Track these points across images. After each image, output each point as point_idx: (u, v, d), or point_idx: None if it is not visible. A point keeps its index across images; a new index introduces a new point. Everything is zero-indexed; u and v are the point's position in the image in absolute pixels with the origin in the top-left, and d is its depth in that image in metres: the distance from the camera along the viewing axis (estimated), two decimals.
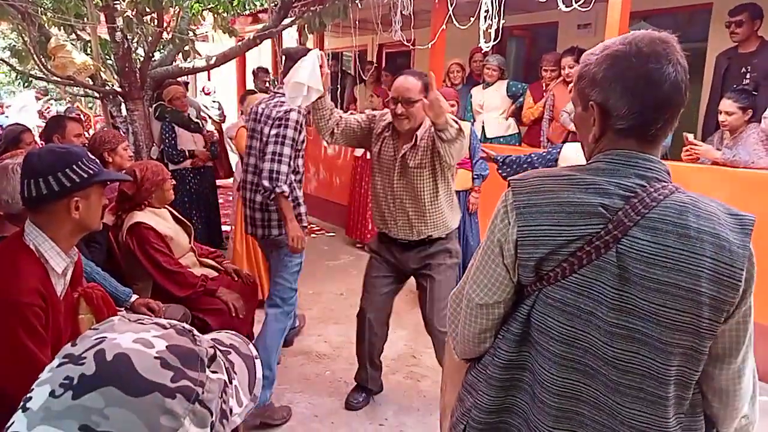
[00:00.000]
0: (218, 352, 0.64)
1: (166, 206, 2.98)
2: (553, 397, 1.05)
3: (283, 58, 2.82)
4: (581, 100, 1.08)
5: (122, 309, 2.38)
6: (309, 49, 2.76)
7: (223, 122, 7.47)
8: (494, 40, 4.03)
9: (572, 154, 2.90)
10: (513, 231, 1.05)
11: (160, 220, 2.86)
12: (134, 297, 2.49)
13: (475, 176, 4.00)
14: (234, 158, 4.94)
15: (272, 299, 2.96)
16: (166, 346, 0.58)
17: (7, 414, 0.63)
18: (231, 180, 5.30)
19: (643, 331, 0.97)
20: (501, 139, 4.94)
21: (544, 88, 4.71)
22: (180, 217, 3.05)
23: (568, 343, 1.03)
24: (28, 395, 0.55)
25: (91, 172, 1.67)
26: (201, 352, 0.60)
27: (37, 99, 9.24)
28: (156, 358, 0.56)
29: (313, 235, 6.21)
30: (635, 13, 4.02)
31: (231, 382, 0.63)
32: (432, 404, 2.93)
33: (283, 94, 2.70)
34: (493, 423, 1.15)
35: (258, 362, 0.70)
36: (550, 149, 3.28)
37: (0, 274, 1.57)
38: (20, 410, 0.54)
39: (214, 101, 7.64)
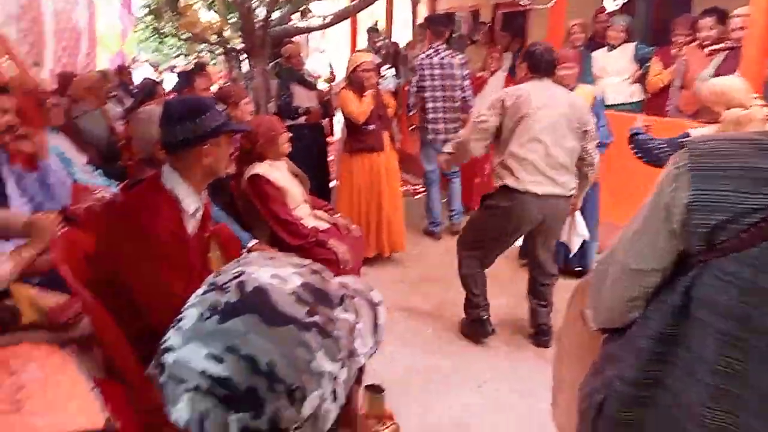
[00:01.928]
0: (347, 294, 0.67)
1: (284, 158, 3.11)
2: (713, 377, 0.98)
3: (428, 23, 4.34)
4: None
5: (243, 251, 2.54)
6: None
7: (332, 81, 7.62)
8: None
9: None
10: (685, 195, 0.98)
11: (277, 171, 3.00)
12: (253, 241, 2.64)
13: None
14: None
15: None
16: (301, 283, 0.61)
17: (148, 336, 0.68)
18: (336, 137, 5.42)
19: None
20: (622, 107, 4.62)
21: (674, 54, 4.32)
22: (296, 169, 3.18)
23: (736, 319, 0.95)
24: (180, 315, 0.61)
25: (220, 122, 1.79)
26: (332, 292, 0.63)
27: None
28: (291, 293, 0.60)
29: (417, 197, 6.23)
30: None
31: (357, 324, 0.66)
32: (533, 373, 2.89)
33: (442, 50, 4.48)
34: (636, 396, 1.11)
35: (381, 308, 0.72)
36: (676, 138, 3.07)
37: (140, 212, 1.73)
38: (173, 328, 0.60)
39: (326, 60, 7.80)
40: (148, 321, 1.73)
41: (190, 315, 0.60)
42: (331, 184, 5.31)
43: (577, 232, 3.45)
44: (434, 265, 4.29)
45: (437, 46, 4.54)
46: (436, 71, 4.50)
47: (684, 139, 1.05)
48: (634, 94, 4.64)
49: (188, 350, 0.57)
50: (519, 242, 4.60)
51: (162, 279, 1.70)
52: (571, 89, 3.64)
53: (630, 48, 4.60)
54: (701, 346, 1.00)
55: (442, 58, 4.49)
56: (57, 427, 1.34)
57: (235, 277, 0.61)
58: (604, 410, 1.17)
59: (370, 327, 0.69)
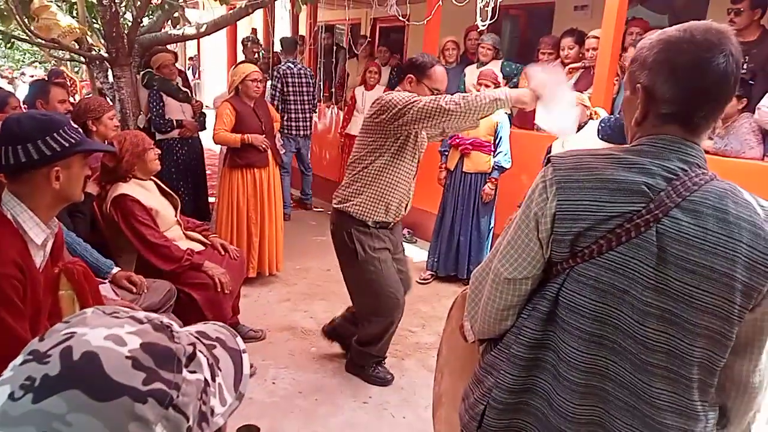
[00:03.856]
0: (200, 349, 0.60)
1: (152, 178, 2.92)
2: (580, 374, 1.06)
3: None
4: (630, 83, 1.09)
5: (105, 281, 2.34)
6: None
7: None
8: (490, 19, 3.97)
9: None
10: (552, 205, 1.06)
11: (145, 191, 2.81)
12: (116, 269, 2.45)
13: (496, 166, 4.03)
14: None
15: None
16: (140, 344, 0.54)
17: None
18: (217, 151, 5.22)
19: (673, 312, 0.98)
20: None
21: None
22: (166, 189, 3.00)
23: (599, 320, 1.04)
24: None
25: (72, 141, 1.61)
26: (178, 351, 0.56)
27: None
28: (128, 357, 0.53)
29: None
30: None
31: (214, 380, 0.60)
32: (416, 383, 2.94)
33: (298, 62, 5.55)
34: (514, 403, 1.16)
35: (245, 356, 0.67)
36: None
37: None
38: None
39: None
40: None
41: None
42: (211, 200, 5.09)
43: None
44: (317, 282, 4.25)
45: (291, 59, 5.78)
46: (296, 79, 5.64)
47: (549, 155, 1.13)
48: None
49: None
50: (422, 256, 4.71)
51: (5, 323, 1.50)
52: None
53: (498, 64, 4.88)
54: (568, 348, 1.07)
55: (300, 69, 5.72)
56: None
57: (61, 342, 0.53)
58: (484, 420, 1.21)
59: (232, 380, 0.63)
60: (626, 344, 1.02)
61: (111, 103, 3.98)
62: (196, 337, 0.63)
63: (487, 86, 3.99)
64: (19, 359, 0.53)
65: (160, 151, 2.93)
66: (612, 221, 1.01)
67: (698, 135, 1.05)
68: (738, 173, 3.19)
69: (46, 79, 5.21)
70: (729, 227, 0.96)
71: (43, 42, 4.36)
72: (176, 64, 5.08)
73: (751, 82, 3.45)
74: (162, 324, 0.58)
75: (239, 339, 0.69)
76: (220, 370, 0.62)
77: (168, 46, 5.37)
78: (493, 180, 4.04)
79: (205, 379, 0.58)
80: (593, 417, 1.08)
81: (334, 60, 6.14)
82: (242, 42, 6.55)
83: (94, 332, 0.54)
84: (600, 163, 1.05)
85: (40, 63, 9.80)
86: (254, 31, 8.18)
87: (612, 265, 1.02)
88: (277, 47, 7.10)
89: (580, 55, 4.31)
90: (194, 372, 0.57)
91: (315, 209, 6.29)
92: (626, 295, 1.01)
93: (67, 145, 1.59)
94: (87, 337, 0.53)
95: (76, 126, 1.69)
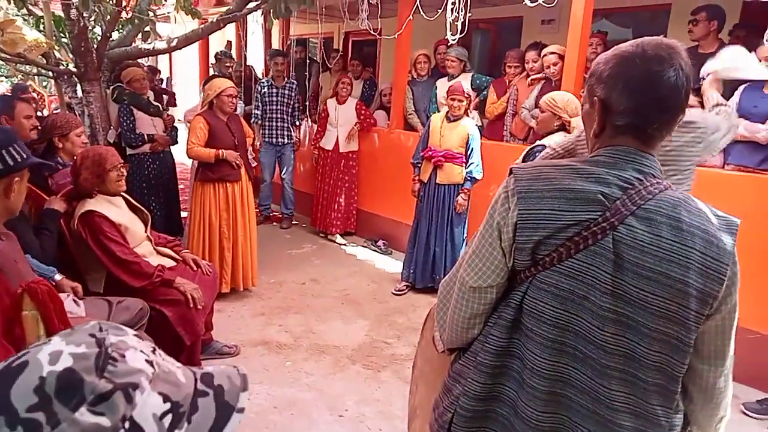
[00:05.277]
0: (126, 393, 0.54)
1: (122, 193, 2.88)
2: (543, 381, 1.08)
3: None
4: (589, 96, 1.13)
5: (69, 295, 2.29)
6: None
7: None
8: (460, 33, 4.04)
9: None
10: (513, 214, 1.09)
11: (113, 207, 2.77)
12: (59, 276, 2.38)
13: (468, 177, 4.08)
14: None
15: None
16: (65, 368, 0.52)
17: None
18: (189, 165, 5.18)
19: (631, 316, 1.01)
20: None
21: (507, 84, 4.75)
22: (135, 204, 2.96)
23: (560, 326, 1.06)
24: None
25: (26, 154, 1.65)
26: (88, 386, 0.52)
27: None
28: (40, 378, 0.51)
29: (275, 223, 6.12)
30: (598, 10, 4.09)
31: (173, 430, 0.56)
32: (392, 394, 2.94)
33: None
34: (481, 410, 1.17)
35: (237, 416, 0.61)
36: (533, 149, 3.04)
37: None
38: None
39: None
40: None
41: None
42: (183, 215, 5.04)
43: None
44: (292, 295, 4.24)
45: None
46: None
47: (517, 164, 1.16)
48: (474, 119, 4.99)
49: None
50: (397, 267, 4.70)
51: None
52: (457, 119, 4.09)
53: (468, 77, 4.96)
54: (531, 355, 1.09)
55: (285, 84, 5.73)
56: None
57: (25, 353, 0.53)
58: (452, 428, 1.22)
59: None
60: (587, 350, 1.05)
61: (80, 119, 3.93)
62: (196, 379, 0.60)
63: (460, 101, 4.04)
64: None
65: (125, 173, 2.82)
66: (570, 229, 1.04)
67: (652, 146, 1.08)
68: (699, 182, 3.27)
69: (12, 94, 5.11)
70: (682, 235, 1.00)
71: (9, 56, 4.28)
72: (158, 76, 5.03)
73: None
74: (106, 354, 0.55)
75: (243, 395, 0.63)
76: (188, 423, 0.58)
77: (149, 59, 5.33)
78: (466, 191, 4.10)
79: (113, 426, 0.53)
80: (556, 424, 1.10)
81: (307, 73, 6.14)
82: (215, 56, 6.53)
83: (50, 345, 0.54)
84: (559, 173, 1.09)
85: (6, 77, 9.62)
86: (228, 44, 8.16)
87: (571, 272, 1.05)
88: (250, 61, 7.09)
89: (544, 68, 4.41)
90: (100, 414, 0.52)
91: (293, 223, 6.21)
92: (585, 301, 1.04)
93: (25, 156, 1.62)
94: (42, 350, 0.53)
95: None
